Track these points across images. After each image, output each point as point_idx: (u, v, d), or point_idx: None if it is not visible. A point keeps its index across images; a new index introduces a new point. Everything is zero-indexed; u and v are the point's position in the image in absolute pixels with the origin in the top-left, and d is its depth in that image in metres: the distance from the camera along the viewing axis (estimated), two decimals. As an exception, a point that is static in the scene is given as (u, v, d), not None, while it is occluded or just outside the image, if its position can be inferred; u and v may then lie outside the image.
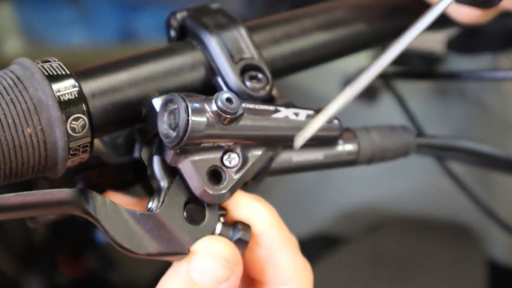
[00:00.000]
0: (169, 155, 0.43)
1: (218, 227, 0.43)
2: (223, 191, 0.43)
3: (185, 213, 0.43)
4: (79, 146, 0.41)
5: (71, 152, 0.41)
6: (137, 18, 1.36)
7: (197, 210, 0.43)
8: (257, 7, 1.07)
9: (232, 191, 0.43)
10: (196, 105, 0.41)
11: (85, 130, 0.41)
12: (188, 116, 0.40)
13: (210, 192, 0.42)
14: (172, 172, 0.43)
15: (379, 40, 0.54)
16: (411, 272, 0.89)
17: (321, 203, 1.03)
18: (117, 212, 0.42)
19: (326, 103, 0.47)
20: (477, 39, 0.79)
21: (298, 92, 0.92)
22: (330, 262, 0.89)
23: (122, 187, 0.51)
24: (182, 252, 0.42)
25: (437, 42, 0.89)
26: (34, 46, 1.32)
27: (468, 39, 0.80)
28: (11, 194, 0.39)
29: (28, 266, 1.08)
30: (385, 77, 0.80)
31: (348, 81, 0.97)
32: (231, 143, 0.43)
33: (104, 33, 1.36)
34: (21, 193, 0.39)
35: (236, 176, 0.43)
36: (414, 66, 0.91)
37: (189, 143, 0.41)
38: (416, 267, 0.89)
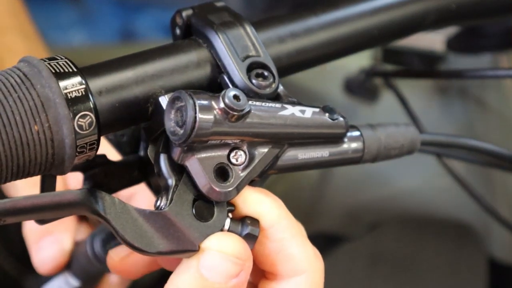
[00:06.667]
0: (176, 152, 0.43)
1: (227, 223, 0.43)
2: (230, 189, 0.43)
3: (194, 210, 0.43)
4: (86, 143, 0.41)
5: (78, 150, 0.41)
6: (138, 19, 1.36)
7: (206, 207, 0.43)
8: (257, 8, 1.08)
9: (239, 188, 0.43)
10: (204, 102, 0.41)
11: (92, 128, 0.41)
12: (195, 113, 0.40)
13: (217, 189, 0.42)
14: (180, 170, 0.43)
15: (383, 39, 0.54)
16: (411, 270, 0.89)
17: (321, 200, 1.03)
18: (127, 212, 0.42)
19: (327, 102, 0.48)
20: (477, 39, 0.79)
21: (299, 91, 0.92)
22: (330, 260, 0.89)
23: (128, 185, 0.51)
24: (192, 249, 0.42)
25: (437, 42, 0.90)
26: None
27: (468, 39, 0.80)
28: (21, 197, 0.39)
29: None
30: (386, 76, 0.81)
31: (348, 81, 0.97)
32: (237, 141, 0.43)
33: (105, 34, 1.35)
34: (31, 195, 0.39)
35: (243, 174, 0.43)
36: (415, 65, 0.92)
37: (196, 141, 0.41)
38: (416, 265, 0.89)
